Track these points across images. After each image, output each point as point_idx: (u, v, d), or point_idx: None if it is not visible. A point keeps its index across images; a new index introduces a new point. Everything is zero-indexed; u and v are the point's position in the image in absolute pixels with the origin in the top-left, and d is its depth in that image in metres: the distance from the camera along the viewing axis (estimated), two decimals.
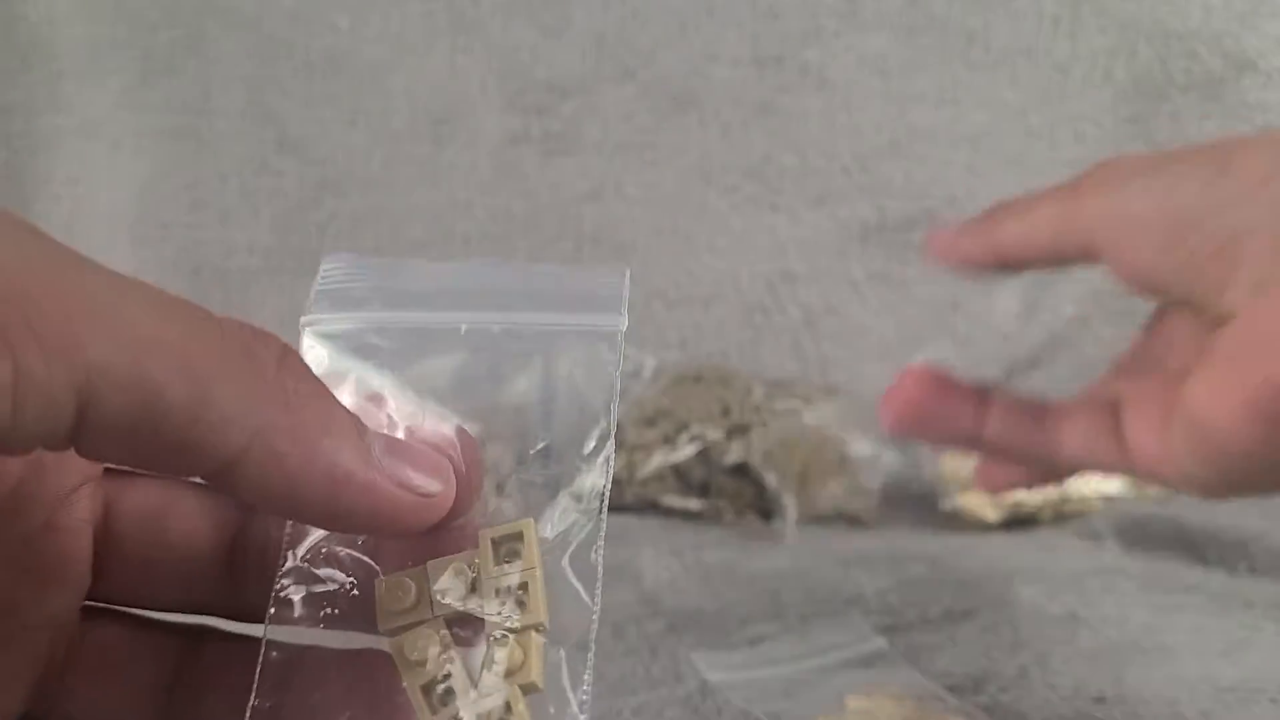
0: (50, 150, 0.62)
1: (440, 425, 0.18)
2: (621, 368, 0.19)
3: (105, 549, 0.17)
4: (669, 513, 0.48)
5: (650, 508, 0.48)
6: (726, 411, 0.49)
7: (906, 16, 0.59)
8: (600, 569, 0.17)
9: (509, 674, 0.17)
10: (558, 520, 0.18)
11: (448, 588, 0.17)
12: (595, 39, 0.61)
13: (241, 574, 0.18)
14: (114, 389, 0.13)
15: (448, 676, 0.17)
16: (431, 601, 0.17)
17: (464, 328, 0.18)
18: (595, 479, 0.18)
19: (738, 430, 0.47)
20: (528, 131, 0.61)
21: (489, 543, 0.18)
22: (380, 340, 0.18)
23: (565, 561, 0.17)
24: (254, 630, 0.18)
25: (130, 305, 0.13)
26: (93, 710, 0.17)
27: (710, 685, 0.31)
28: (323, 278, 0.18)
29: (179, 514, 0.18)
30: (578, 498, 0.18)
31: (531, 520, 0.18)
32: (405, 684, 0.17)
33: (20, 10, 0.61)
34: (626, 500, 0.50)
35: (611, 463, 0.18)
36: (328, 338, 0.18)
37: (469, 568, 0.17)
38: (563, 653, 0.17)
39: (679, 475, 0.48)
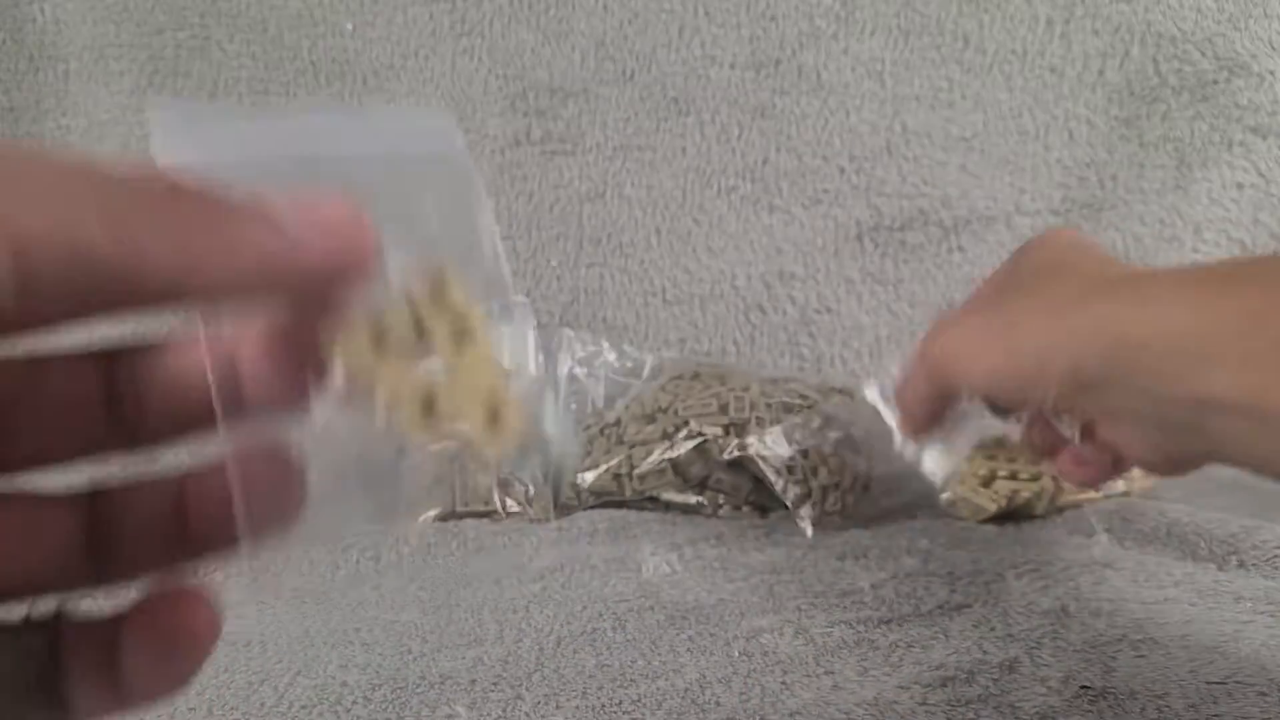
0: None
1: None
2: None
3: None
4: (668, 507, 0.48)
5: (649, 502, 0.49)
6: (724, 408, 0.49)
7: (902, 19, 0.59)
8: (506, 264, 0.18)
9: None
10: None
11: (400, 326, 0.17)
12: (595, 42, 0.61)
13: (121, 408, 0.18)
14: (45, 252, 0.13)
15: (432, 397, 0.17)
16: (389, 346, 0.17)
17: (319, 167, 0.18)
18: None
19: (735, 427, 0.48)
20: (529, 133, 0.61)
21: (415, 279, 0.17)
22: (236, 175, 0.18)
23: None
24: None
25: (37, 166, 0.14)
26: None
27: (708, 678, 0.31)
28: (160, 124, 0.18)
29: (47, 370, 0.18)
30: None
31: (448, 257, 0.18)
32: (394, 414, 0.17)
33: (28, 13, 0.62)
34: (626, 495, 0.50)
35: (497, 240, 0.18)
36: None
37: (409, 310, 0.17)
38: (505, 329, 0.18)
39: (678, 471, 0.48)
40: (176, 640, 0.17)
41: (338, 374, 0.17)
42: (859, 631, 0.35)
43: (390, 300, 0.17)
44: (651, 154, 0.61)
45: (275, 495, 0.18)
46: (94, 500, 0.18)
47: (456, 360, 0.18)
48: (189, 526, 0.18)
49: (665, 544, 0.44)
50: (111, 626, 0.18)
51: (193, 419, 0.18)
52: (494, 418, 0.18)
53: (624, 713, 0.30)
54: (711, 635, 0.35)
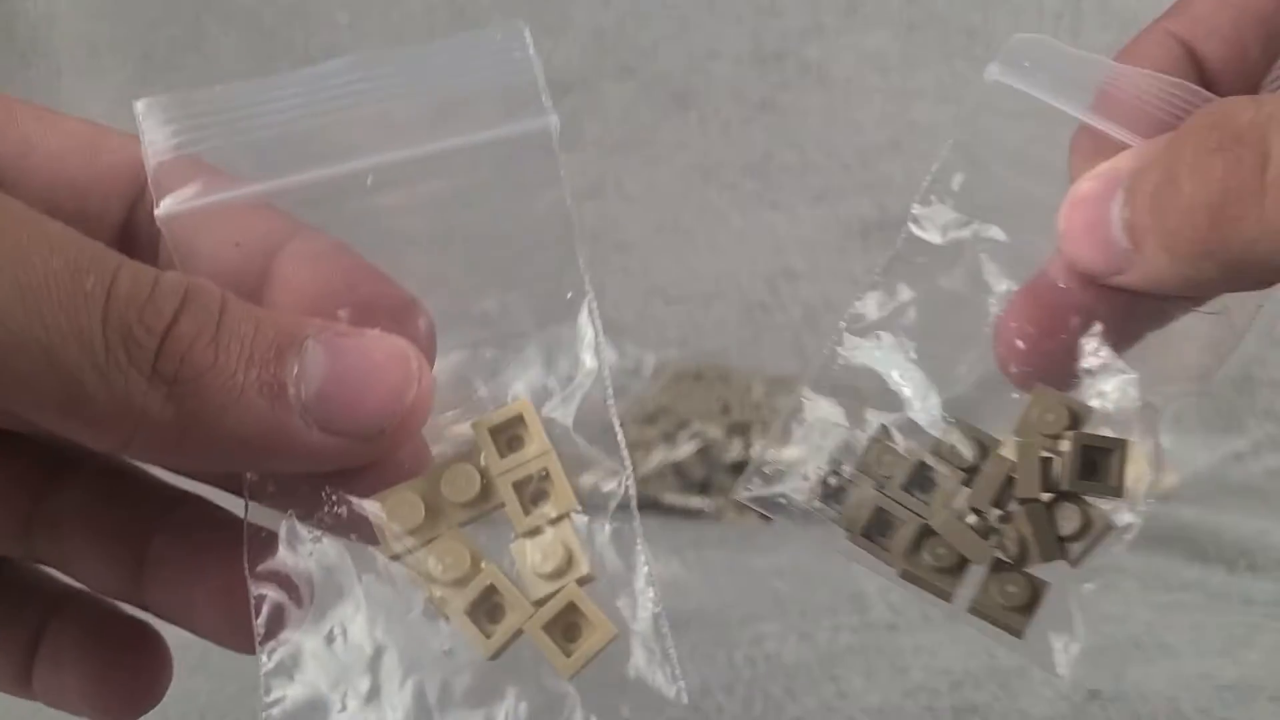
0: None
1: (384, 287, 0.15)
2: (570, 193, 0.15)
3: None
4: (669, 511, 0.48)
5: (651, 506, 0.48)
6: (726, 409, 0.49)
7: (906, 13, 0.59)
8: (618, 424, 0.15)
9: (556, 574, 0.15)
10: (544, 388, 0.15)
11: (460, 491, 0.15)
12: (595, 35, 0.61)
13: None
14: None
15: (491, 591, 0.15)
16: (444, 511, 0.15)
17: (370, 178, 0.14)
18: (578, 330, 0.15)
19: (738, 428, 0.47)
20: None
21: (487, 434, 0.15)
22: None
23: (573, 429, 0.15)
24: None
25: (5, 290, 0.12)
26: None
27: (711, 685, 0.31)
28: (151, 142, 0.14)
29: None
30: (557, 355, 0.15)
31: (526, 400, 0.16)
32: (444, 612, 0.15)
33: (19, 7, 0.61)
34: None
35: (595, 314, 0.15)
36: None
37: (474, 468, 0.15)
38: (607, 528, 0.15)
39: (679, 473, 0.48)
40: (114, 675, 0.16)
41: (385, 541, 0.15)
42: (865, 637, 0.34)
43: (451, 454, 0.15)
44: (652, 149, 0.61)
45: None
46: None
47: (527, 539, 0.15)
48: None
49: (666, 548, 0.44)
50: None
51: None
52: (568, 630, 0.15)
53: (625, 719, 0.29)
54: (714, 641, 0.34)
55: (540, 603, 0.15)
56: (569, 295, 0.16)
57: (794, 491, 0.17)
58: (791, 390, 0.18)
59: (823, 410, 0.18)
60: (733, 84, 0.60)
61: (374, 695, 0.14)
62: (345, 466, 0.14)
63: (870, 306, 0.19)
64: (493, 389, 0.16)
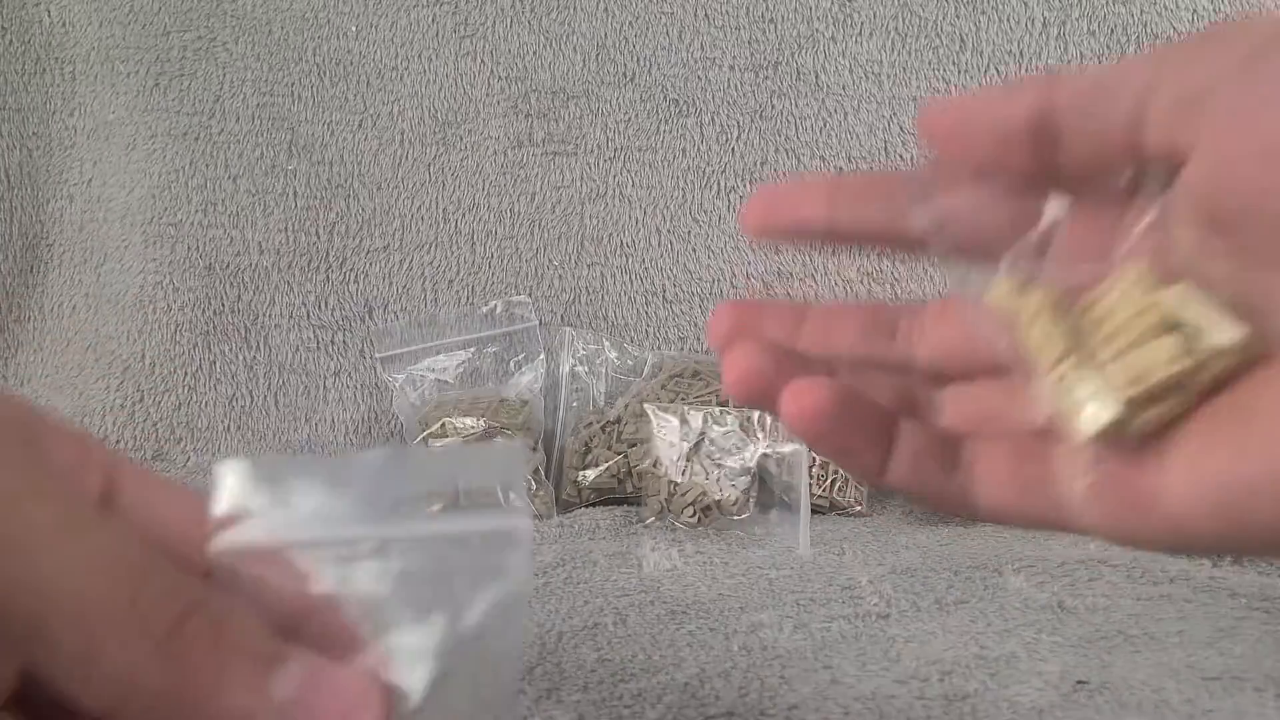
0: (65, 151, 0.62)
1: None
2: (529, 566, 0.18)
3: None
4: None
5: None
6: (725, 406, 0.49)
7: (899, 21, 0.59)
8: None
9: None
10: None
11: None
12: (596, 45, 0.61)
13: None
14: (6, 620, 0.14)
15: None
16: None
17: (369, 544, 0.18)
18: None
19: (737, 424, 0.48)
20: (531, 134, 0.62)
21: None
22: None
23: None
24: None
25: (59, 556, 0.14)
26: None
27: (708, 672, 0.31)
28: (216, 500, 0.18)
29: None
30: None
31: None
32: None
33: (35, 14, 0.62)
34: (627, 492, 0.51)
35: None
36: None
37: None
38: None
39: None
40: None
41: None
42: (857, 626, 0.35)
43: None
44: (652, 155, 0.61)
45: None
46: None
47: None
48: None
49: (666, 540, 0.45)
50: None
51: None
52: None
53: (624, 706, 0.30)
54: (711, 630, 0.35)
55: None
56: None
57: None
58: None
59: None
60: (729, 91, 0.61)
61: None
62: None
63: None
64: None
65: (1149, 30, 0.58)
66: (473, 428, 0.53)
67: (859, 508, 0.50)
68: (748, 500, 0.47)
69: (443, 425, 0.53)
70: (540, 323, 0.60)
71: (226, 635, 0.16)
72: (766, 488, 0.48)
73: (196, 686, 0.15)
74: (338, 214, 0.62)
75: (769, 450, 0.47)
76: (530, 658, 0.33)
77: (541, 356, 0.59)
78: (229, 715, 0.15)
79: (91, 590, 0.15)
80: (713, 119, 0.61)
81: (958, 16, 0.59)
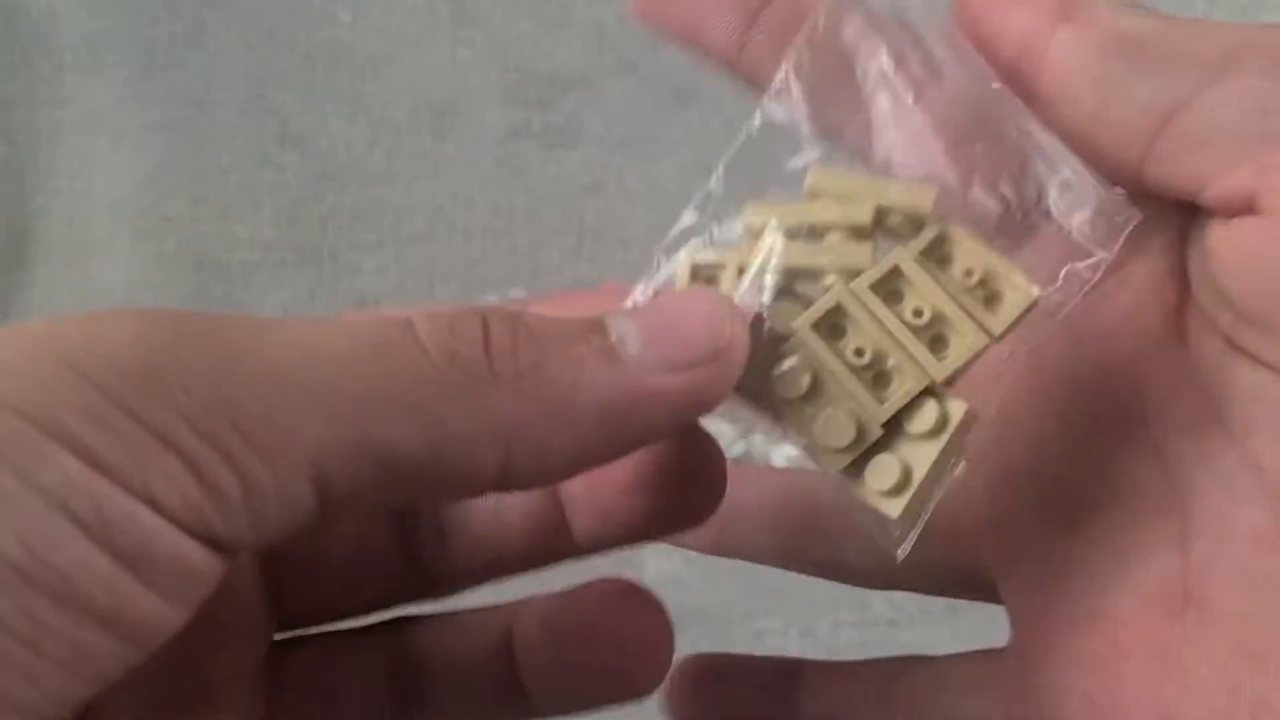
0: (51, 144, 0.62)
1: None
2: None
3: (275, 583, 0.17)
4: None
5: None
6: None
7: (895, 7, 0.59)
8: None
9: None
10: None
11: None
12: (596, 32, 0.61)
13: (420, 552, 0.17)
14: (345, 465, 0.12)
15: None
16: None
17: None
18: None
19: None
20: (529, 124, 0.61)
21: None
22: None
23: None
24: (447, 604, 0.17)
25: (323, 367, 0.12)
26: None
27: None
28: None
29: (343, 528, 0.17)
30: None
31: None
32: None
33: (21, 4, 0.61)
34: None
35: None
36: None
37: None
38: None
39: None
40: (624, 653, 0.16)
41: None
42: (865, 633, 0.34)
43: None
44: (654, 146, 0.60)
45: (635, 650, 0.16)
46: (401, 637, 0.17)
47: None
48: (518, 674, 0.17)
49: (669, 543, 0.44)
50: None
51: (502, 561, 0.17)
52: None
53: (626, 714, 0.29)
54: (716, 637, 0.34)
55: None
56: None
57: None
58: None
59: None
60: (734, 81, 0.60)
61: None
62: (706, 410, 0.14)
63: None
64: None
65: None
66: None
67: None
68: None
69: None
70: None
71: (537, 329, 0.14)
72: None
73: (558, 384, 0.13)
74: (330, 207, 0.61)
75: (770, 450, 0.46)
76: None
77: None
78: (607, 393, 0.13)
79: (394, 378, 0.12)
80: (716, 109, 0.60)
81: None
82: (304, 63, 0.61)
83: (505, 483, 0.13)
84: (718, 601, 0.38)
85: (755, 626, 0.35)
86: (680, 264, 0.17)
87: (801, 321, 0.16)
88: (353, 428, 0.12)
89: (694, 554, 0.46)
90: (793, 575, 0.42)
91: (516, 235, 0.61)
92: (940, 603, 0.37)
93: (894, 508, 0.15)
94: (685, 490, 0.17)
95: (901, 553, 0.16)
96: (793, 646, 0.33)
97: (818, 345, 0.15)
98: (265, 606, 0.17)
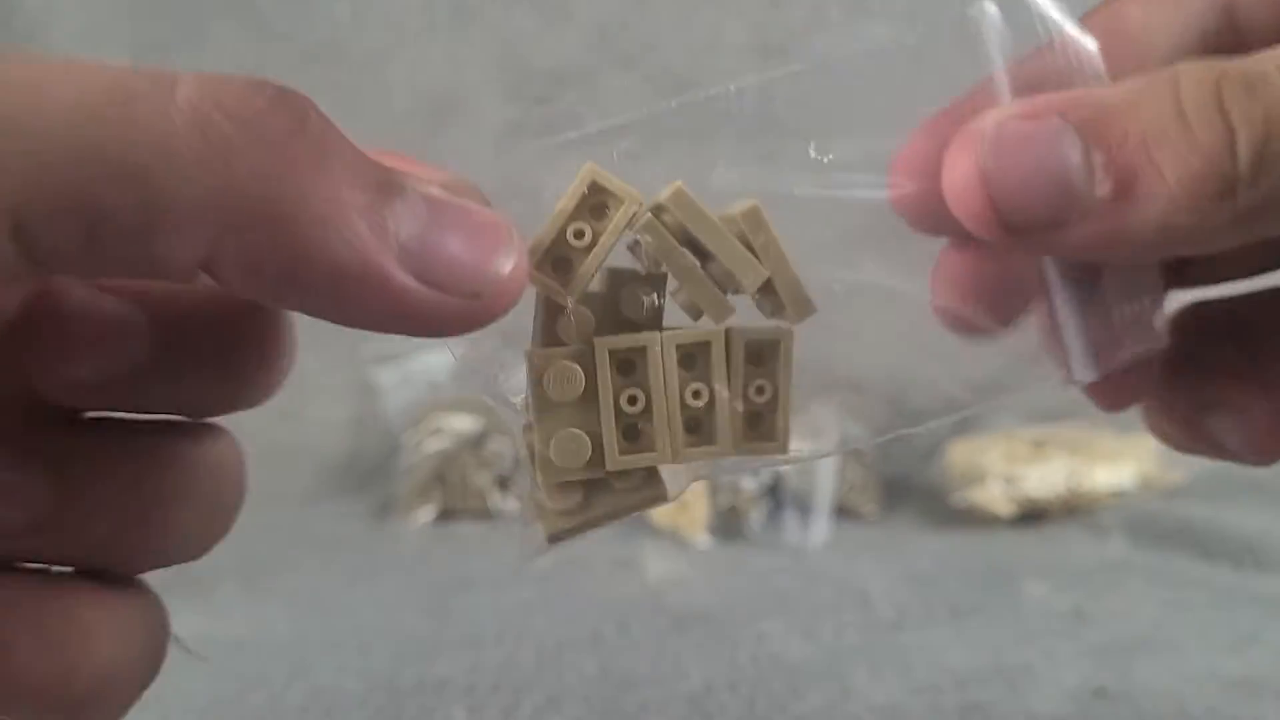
0: None
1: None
2: None
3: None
4: None
5: None
6: None
7: (909, 3, 0.58)
8: None
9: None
10: None
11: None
12: (597, 27, 0.60)
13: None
14: (48, 220, 0.11)
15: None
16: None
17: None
18: None
19: None
20: (528, 120, 0.61)
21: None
22: None
23: None
24: None
25: (53, 109, 0.11)
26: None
27: (714, 683, 0.31)
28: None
29: None
30: None
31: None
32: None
33: (17, 0, 0.61)
34: None
35: None
36: None
37: None
38: None
39: None
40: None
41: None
42: (869, 635, 0.34)
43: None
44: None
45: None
46: None
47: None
48: None
49: (670, 545, 0.44)
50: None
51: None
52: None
53: (627, 718, 0.29)
54: (717, 639, 0.34)
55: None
56: None
57: None
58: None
59: None
60: (734, 76, 0.60)
61: None
62: (431, 333, 0.13)
63: None
64: None
65: None
66: (471, 426, 0.52)
67: (871, 511, 0.49)
68: (761, 502, 0.47)
69: (438, 428, 0.52)
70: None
71: (325, 143, 0.12)
72: (780, 492, 0.47)
73: (302, 213, 0.11)
74: None
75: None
76: (527, 668, 0.32)
77: None
78: (346, 257, 0.12)
79: (131, 132, 0.11)
80: None
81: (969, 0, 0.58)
82: (303, 58, 0.61)
83: (211, 274, 0.12)
84: (719, 603, 0.37)
85: (757, 629, 0.34)
86: (584, 170, 0.16)
87: (603, 342, 0.15)
88: (60, 181, 0.11)
89: (697, 556, 0.45)
90: (794, 578, 0.42)
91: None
92: (945, 605, 0.37)
93: (549, 527, 0.15)
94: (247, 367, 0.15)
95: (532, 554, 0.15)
96: (794, 649, 0.33)
97: (605, 371, 0.15)
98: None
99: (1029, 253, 0.14)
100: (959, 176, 0.14)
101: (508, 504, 0.50)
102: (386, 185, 0.12)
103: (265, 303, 0.13)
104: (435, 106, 0.61)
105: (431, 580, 0.41)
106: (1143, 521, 0.44)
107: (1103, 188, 0.13)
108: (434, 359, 0.58)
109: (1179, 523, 0.43)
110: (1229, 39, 0.16)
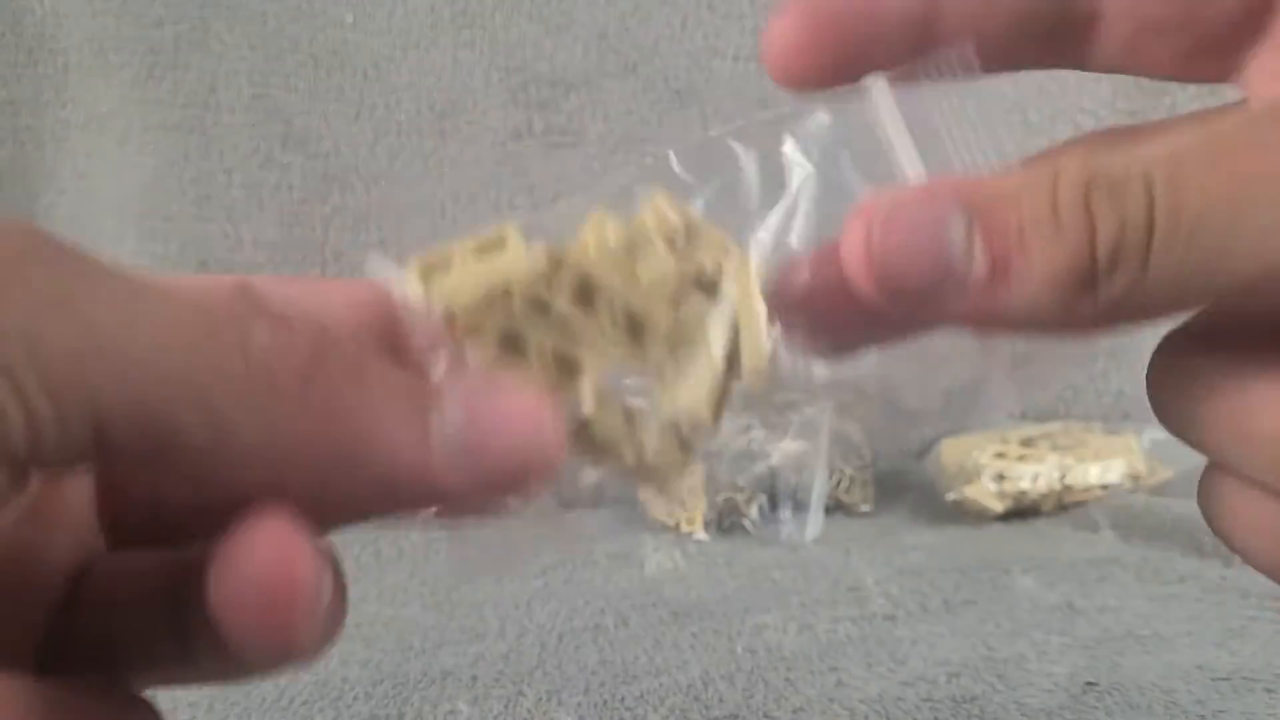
0: (57, 145, 0.62)
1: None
2: None
3: (114, 503, 0.17)
4: None
5: None
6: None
7: None
8: None
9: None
10: None
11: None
12: (598, 33, 0.61)
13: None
14: (126, 429, 0.12)
15: None
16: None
17: None
18: None
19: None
20: (530, 125, 0.61)
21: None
22: None
23: None
24: None
25: (140, 333, 0.13)
26: (105, 630, 0.16)
27: (712, 675, 0.31)
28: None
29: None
30: None
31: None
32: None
33: (27, 5, 0.62)
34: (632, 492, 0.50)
35: None
36: None
37: None
38: None
39: None
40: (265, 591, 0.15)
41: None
42: (863, 628, 0.35)
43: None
44: (654, 146, 0.60)
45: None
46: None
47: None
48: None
49: (668, 539, 0.44)
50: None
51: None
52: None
53: (626, 709, 0.29)
54: (715, 631, 0.34)
55: None
56: None
57: None
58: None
59: None
60: (734, 81, 0.60)
61: None
62: (474, 512, 0.15)
63: None
64: None
65: None
66: None
67: (865, 508, 0.49)
68: (757, 498, 0.47)
69: None
70: None
71: (369, 377, 0.14)
72: (776, 488, 0.47)
73: (354, 436, 0.13)
74: (333, 208, 0.61)
75: (773, 447, 0.46)
76: (529, 659, 0.33)
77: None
78: (396, 466, 0.13)
79: (203, 365, 0.13)
80: (716, 110, 0.60)
81: None
82: (308, 64, 0.61)
83: (274, 492, 0.13)
84: (717, 596, 0.38)
85: (754, 621, 0.35)
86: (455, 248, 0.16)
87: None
88: (140, 399, 0.12)
89: (692, 549, 0.46)
90: (790, 571, 0.42)
91: None
92: (938, 598, 0.37)
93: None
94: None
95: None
96: (790, 642, 0.33)
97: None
98: (93, 517, 0.16)
99: (905, 317, 0.15)
100: (850, 242, 0.15)
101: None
102: (424, 396, 0.14)
103: (324, 520, 0.15)
104: (439, 111, 0.62)
105: (436, 574, 0.42)
106: (1132, 517, 0.45)
107: (979, 268, 0.14)
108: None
109: (1168, 518, 0.44)
110: (1084, 8, 0.17)
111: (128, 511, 0.17)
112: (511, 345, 0.15)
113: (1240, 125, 0.14)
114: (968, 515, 0.47)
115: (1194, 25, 0.17)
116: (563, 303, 0.15)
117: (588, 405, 0.15)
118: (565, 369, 0.15)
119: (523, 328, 0.15)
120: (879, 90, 0.16)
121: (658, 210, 0.16)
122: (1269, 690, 0.30)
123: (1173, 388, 0.16)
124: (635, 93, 0.61)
